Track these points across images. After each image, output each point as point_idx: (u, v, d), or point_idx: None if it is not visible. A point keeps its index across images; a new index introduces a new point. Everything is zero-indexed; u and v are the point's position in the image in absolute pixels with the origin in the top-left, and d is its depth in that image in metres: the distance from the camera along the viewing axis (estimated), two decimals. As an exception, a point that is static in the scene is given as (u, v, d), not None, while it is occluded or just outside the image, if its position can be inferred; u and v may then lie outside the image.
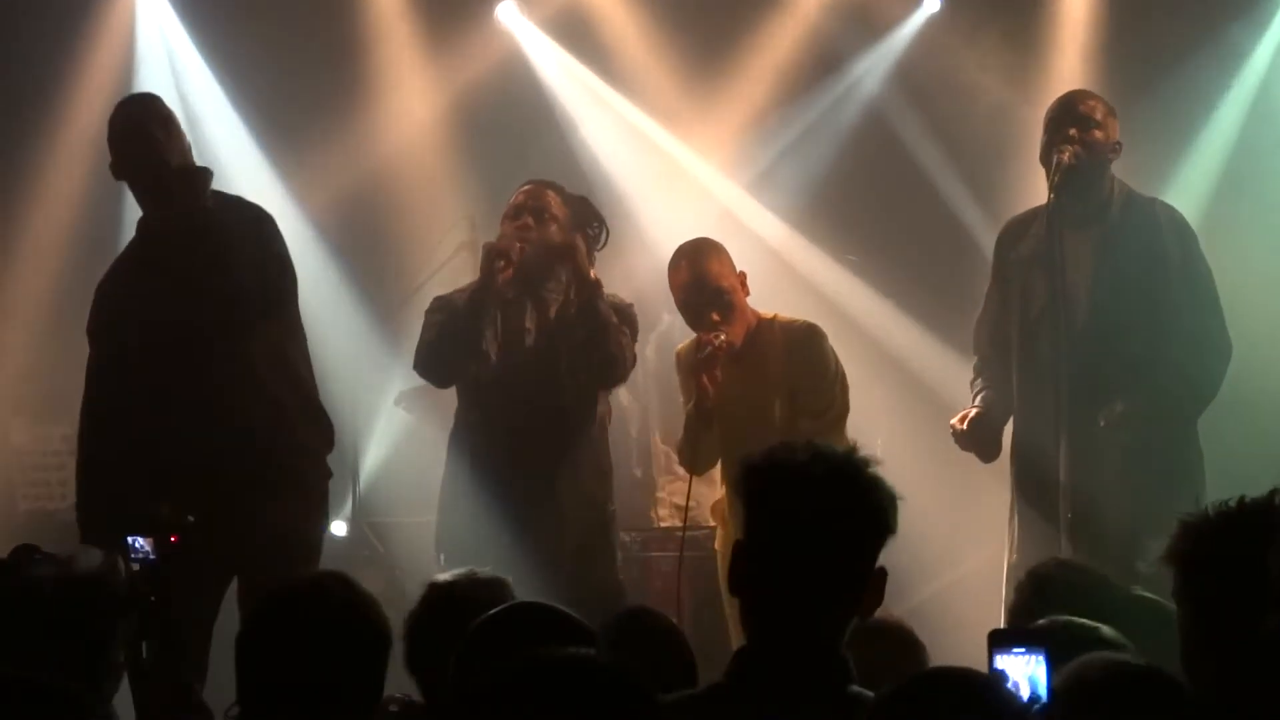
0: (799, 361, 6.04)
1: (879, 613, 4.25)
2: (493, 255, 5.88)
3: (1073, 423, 5.86)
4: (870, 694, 2.78)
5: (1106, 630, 3.21)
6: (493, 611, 3.09)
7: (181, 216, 5.41)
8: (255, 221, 5.53)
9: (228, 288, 5.36)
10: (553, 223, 5.97)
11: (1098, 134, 6.07)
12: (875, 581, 2.87)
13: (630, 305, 6.09)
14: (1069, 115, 6.10)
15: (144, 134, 5.41)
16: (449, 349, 5.95)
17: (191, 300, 5.37)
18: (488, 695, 2.43)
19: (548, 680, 2.41)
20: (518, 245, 5.89)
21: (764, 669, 2.82)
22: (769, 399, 6.02)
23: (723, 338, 5.93)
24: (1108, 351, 5.99)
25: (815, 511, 2.81)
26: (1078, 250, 6.02)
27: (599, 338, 5.89)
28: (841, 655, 2.85)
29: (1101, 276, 6.03)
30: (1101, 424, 5.88)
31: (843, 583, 2.84)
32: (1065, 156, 5.96)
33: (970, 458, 6.29)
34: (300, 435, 5.58)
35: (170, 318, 5.38)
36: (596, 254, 6.07)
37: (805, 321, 6.17)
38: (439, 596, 3.53)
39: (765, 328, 6.08)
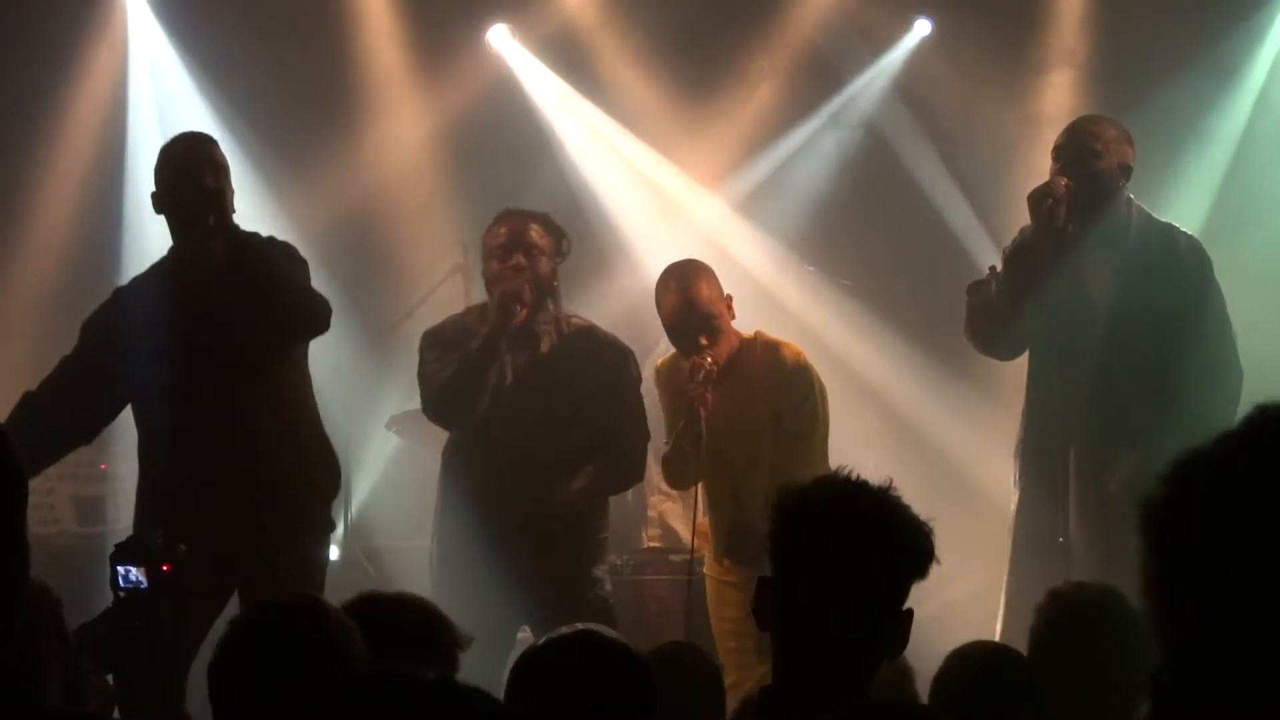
0: (780, 383, 6.03)
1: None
2: (509, 299, 5.89)
3: (1082, 442, 5.88)
4: None
5: None
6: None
7: (216, 255, 5.43)
8: (285, 258, 5.55)
9: (259, 325, 5.40)
10: (541, 256, 5.98)
11: (1099, 164, 6.06)
12: (904, 622, 2.81)
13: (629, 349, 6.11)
14: (1069, 145, 6.11)
15: (199, 181, 5.40)
16: (464, 395, 5.93)
17: (223, 337, 5.42)
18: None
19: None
20: (528, 288, 5.90)
21: (793, 710, 2.75)
22: (751, 417, 6.01)
23: (711, 361, 5.93)
24: (1122, 375, 6.00)
25: (854, 548, 2.75)
26: (1097, 271, 6.04)
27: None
28: (869, 699, 2.80)
29: (1120, 302, 6.06)
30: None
31: (877, 623, 2.77)
32: (1060, 188, 5.98)
33: (961, 485, 6.30)
34: (315, 477, 5.63)
35: (200, 353, 5.43)
36: (558, 264, 6.07)
37: (787, 343, 6.16)
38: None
39: (748, 347, 6.08)
